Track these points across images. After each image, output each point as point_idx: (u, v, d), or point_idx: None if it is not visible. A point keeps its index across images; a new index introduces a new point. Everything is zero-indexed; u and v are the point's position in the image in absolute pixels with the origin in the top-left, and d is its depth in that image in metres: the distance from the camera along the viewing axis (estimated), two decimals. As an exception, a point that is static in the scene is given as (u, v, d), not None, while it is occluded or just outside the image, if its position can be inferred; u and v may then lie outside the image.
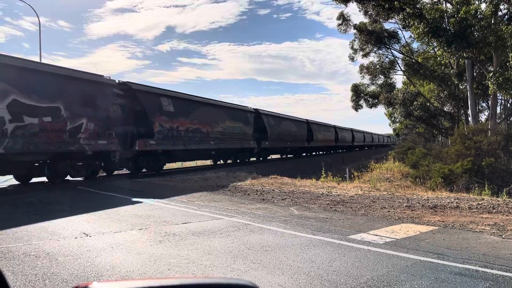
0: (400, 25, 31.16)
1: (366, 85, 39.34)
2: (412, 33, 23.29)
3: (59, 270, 4.36)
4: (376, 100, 37.88)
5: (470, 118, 24.52)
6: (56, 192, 11.61)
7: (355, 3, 25.38)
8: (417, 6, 20.27)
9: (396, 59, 36.51)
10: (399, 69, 37.34)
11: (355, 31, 33.07)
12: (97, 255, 4.98)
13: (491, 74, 18.74)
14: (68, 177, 14.17)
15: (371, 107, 39.62)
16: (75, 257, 4.86)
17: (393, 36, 33.23)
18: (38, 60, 22.46)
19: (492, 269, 4.60)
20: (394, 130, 63.91)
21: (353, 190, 12.06)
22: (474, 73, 25.45)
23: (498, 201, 9.50)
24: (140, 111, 16.11)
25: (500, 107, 33.92)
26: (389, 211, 8.47)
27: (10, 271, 4.32)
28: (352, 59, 36.11)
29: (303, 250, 5.33)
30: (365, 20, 32.74)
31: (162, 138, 16.98)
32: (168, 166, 21.35)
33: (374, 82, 38.65)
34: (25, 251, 5.09)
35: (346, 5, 26.58)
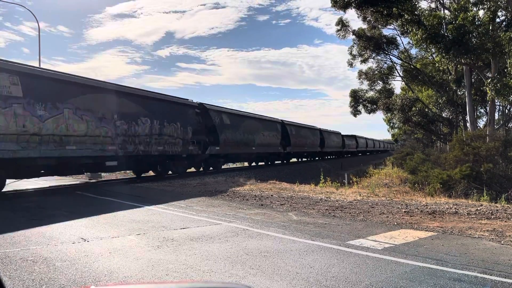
0: (398, 31, 31.32)
1: (364, 91, 39.43)
2: (411, 39, 23.42)
3: (56, 275, 4.34)
4: (375, 106, 37.95)
5: (468, 124, 24.57)
6: (54, 197, 11.58)
7: (353, 9, 25.46)
8: (416, 12, 20.41)
9: (395, 65, 36.64)
10: (397, 75, 37.47)
11: (353, 37, 33.22)
12: (95, 260, 4.96)
13: (489, 80, 18.82)
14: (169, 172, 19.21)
15: (369, 113, 39.66)
16: (72, 262, 4.84)
17: (391, 42, 33.35)
18: (38, 65, 22.48)
19: (491, 275, 4.59)
20: (393, 135, 63.98)
21: (351, 195, 12.05)
22: (472, 79, 25.55)
23: (497, 207, 9.50)
24: (210, 124, 20.96)
25: (498, 113, 34.04)
26: (388, 216, 8.46)
27: (7, 276, 4.29)
28: (350, 65, 36.20)
29: (301, 256, 5.32)
30: (364, 26, 32.88)
31: (223, 144, 21.83)
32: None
33: (372, 87, 38.74)
34: (22, 256, 5.07)
35: (345, 11, 26.68)
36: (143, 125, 15.99)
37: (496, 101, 22.97)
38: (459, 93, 29.72)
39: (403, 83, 40.34)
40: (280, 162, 33.30)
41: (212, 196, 11.66)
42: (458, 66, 25.49)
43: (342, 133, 51.51)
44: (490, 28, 19.72)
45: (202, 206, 9.83)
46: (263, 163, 30.84)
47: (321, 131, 40.91)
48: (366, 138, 70.46)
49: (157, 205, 9.74)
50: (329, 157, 48.90)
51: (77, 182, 16.59)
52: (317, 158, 42.92)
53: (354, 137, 59.37)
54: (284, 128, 31.24)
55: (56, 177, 17.19)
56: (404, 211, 9.01)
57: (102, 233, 6.56)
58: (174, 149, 17.91)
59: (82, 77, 14.00)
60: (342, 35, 33.10)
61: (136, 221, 7.73)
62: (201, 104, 20.75)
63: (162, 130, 17.13)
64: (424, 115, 33.21)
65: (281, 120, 31.63)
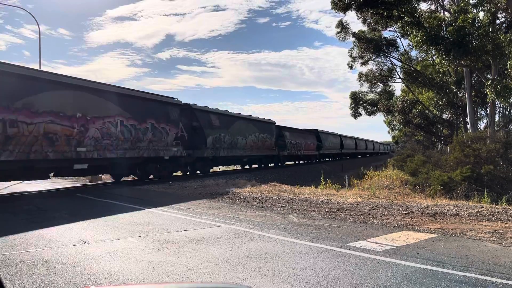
0: (398, 33, 31.33)
1: (365, 93, 39.46)
2: (411, 41, 23.38)
3: (56, 278, 4.33)
4: (375, 108, 37.97)
5: (468, 126, 24.57)
6: (55, 199, 11.58)
7: (353, 12, 25.44)
8: (416, 14, 20.39)
9: (395, 67, 36.67)
10: (398, 77, 37.48)
11: (353, 39, 33.22)
12: (95, 263, 4.95)
13: (489, 82, 18.81)
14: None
15: (370, 115, 39.70)
16: (73, 265, 4.83)
17: (391, 44, 33.38)
18: (38, 68, 22.51)
19: (492, 277, 4.58)
20: (393, 137, 64.04)
21: (352, 197, 12.04)
22: (473, 81, 25.55)
23: (498, 208, 9.48)
24: (283, 137, 32.21)
25: (499, 114, 34.03)
26: (389, 218, 8.46)
27: (8, 278, 4.29)
28: (351, 67, 36.22)
29: (302, 258, 5.31)
30: (364, 28, 32.94)
31: (289, 148, 33.20)
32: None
33: (373, 89, 38.77)
34: (22, 259, 5.07)
35: (345, 14, 26.66)
36: (256, 138, 27.26)
37: (496, 102, 22.98)
38: (460, 95, 29.72)
39: (403, 85, 40.37)
40: (316, 161, 43.52)
41: (212, 198, 11.66)
42: (458, 68, 25.52)
43: (355, 137, 59.04)
44: (490, 30, 19.72)
45: (203, 208, 9.83)
46: (304, 161, 41.44)
47: (340, 136, 50.87)
48: (373, 141, 73.38)
49: (157, 207, 9.73)
50: (346, 157, 58.39)
51: (78, 185, 16.59)
52: (338, 159, 53.20)
53: (364, 140, 64.69)
54: (318, 136, 42.00)
55: (57, 180, 17.21)
56: (405, 213, 9.00)
57: (103, 236, 6.56)
58: (267, 151, 29.30)
59: (233, 113, 25.23)
60: (342, 38, 33.15)
61: (136, 223, 7.73)
62: (279, 125, 32.56)
63: (263, 140, 28.41)
64: (424, 117, 33.21)
65: (316, 129, 42.08)
